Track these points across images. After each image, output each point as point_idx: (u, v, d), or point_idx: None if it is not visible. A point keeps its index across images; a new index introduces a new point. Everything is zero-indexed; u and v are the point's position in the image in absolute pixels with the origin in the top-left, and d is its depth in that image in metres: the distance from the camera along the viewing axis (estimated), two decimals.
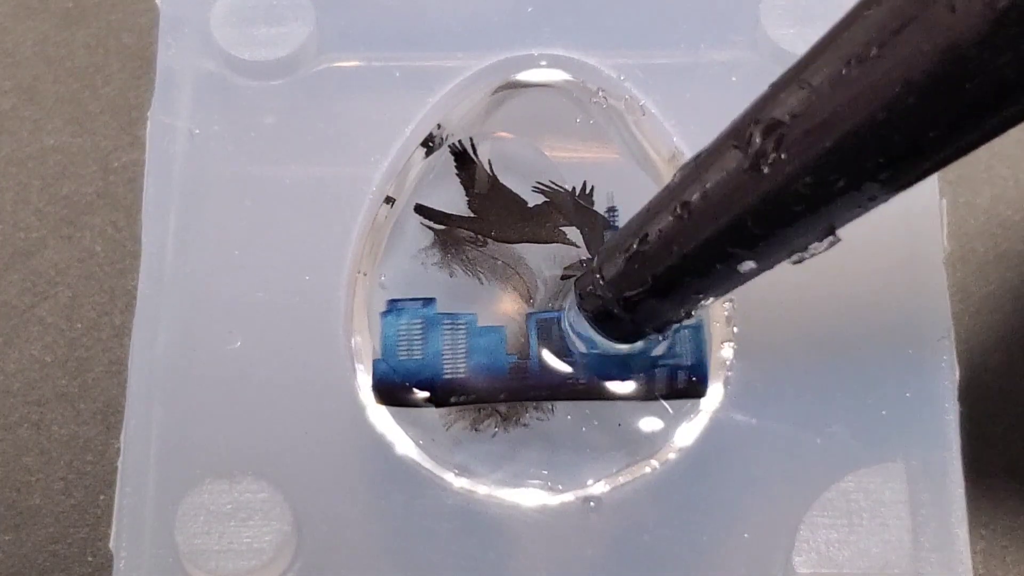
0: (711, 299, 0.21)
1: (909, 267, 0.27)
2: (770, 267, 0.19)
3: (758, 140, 0.17)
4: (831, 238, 0.18)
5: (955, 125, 0.16)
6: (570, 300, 0.25)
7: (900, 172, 0.17)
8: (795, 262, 0.19)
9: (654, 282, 0.21)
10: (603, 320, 0.23)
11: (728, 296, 0.27)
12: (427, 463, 0.26)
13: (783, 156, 0.17)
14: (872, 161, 0.16)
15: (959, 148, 0.16)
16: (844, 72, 0.16)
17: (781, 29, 0.29)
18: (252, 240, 0.28)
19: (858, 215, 0.18)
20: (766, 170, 0.17)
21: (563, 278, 0.27)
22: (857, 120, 0.16)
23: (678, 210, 0.19)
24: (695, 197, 0.19)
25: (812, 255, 0.19)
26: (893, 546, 0.26)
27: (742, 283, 0.20)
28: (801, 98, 0.17)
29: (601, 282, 0.22)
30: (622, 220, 0.27)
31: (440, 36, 0.30)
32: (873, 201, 0.18)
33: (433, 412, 0.26)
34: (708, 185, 0.19)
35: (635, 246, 0.21)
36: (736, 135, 0.18)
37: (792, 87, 0.17)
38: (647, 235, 0.20)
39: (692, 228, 0.19)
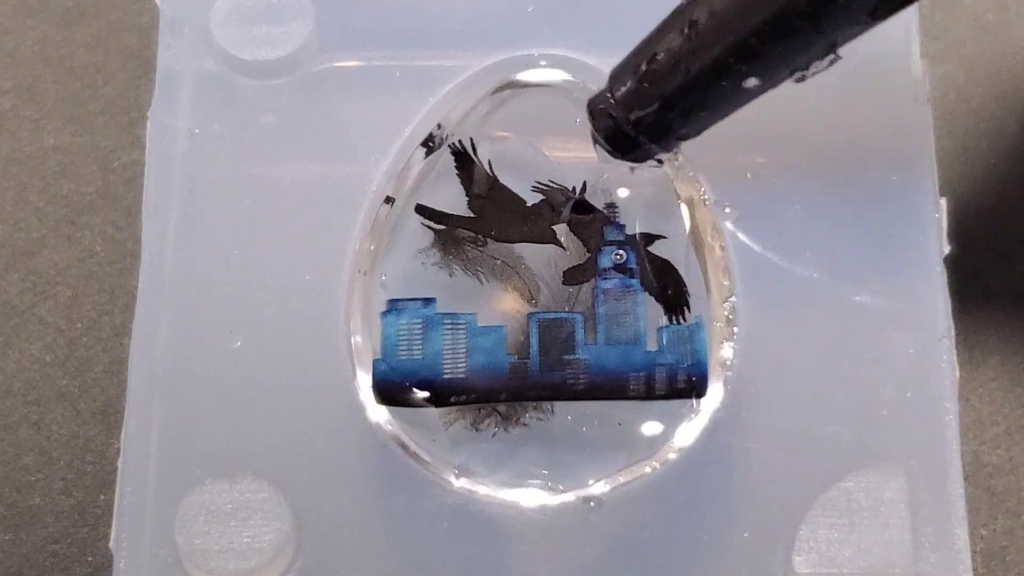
0: (716, 119, 0.22)
1: (909, 267, 0.27)
2: (774, 85, 0.20)
3: None
4: (832, 56, 0.19)
5: None
6: None
7: None
8: (797, 80, 0.20)
9: (663, 100, 0.22)
10: (614, 138, 0.24)
11: (728, 297, 0.27)
12: (427, 463, 0.26)
13: None
14: None
15: None
16: None
17: None
18: (252, 240, 0.28)
19: (859, 32, 0.19)
20: None
21: (566, 282, 0.27)
22: None
23: (685, 30, 0.20)
24: (702, 16, 0.20)
25: (814, 73, 0.20)
26: (894, 546, 0.26)
27: (747, 101, 0.21)
28: None
29: (612, 101, 0.23)
30: (622, 217, 0.27)
31: (440, 36, 0.30)
32: (873, 17, 0.18)
33: (433, 412, 0.26)
34: (715, 4, 0.20)
35: (644, 66, 0.22)
36: None
37: None
38: (656, 55, 0.21)
39: (699, 46, 0.20)
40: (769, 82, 0.20)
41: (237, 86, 0.29)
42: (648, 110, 0.22)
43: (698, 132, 0.23)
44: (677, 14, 0.21)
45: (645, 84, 0.22)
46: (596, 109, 0.24)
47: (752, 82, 0.20)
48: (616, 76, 0.23)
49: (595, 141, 0.25)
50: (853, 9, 0.18)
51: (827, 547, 0.26)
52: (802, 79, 0.20)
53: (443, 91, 0.29)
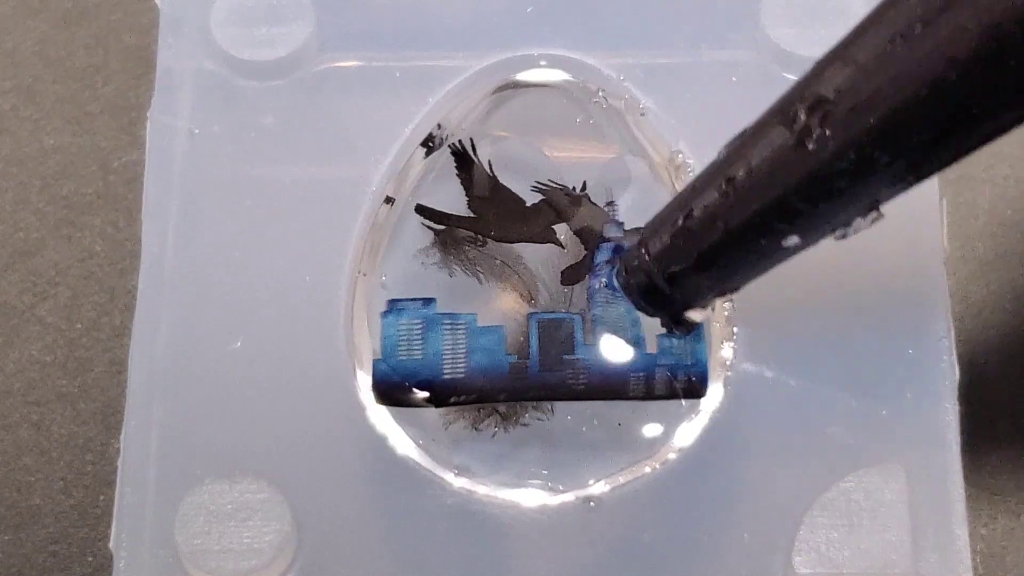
0: (754, 276, 0.21)
1: (909, 267, 0.27)
2: (814, 242, 0.20)
3: (803, 117, 0.18)
4: (874, 214, 0.19)
5: (999, 102, 0.16)
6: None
7: (944, 149, 0.17)
8: (838, 238, 0.19)
9: (699, 257, 0.21)
10: (648, 294, 0.23)
11: (728, 296, 0.27)
12: (427, 463, 0.26)
13: (828, 133, 0.17)
14: (916, 138, 0.17)
15: (1003, 124, 0.16)
16: (889, 49, 0.16)
17: (781, 29, 0.29)
18: (252, 240, 0.28)
19: (902, 191, 0.18)
20: (811, 147, 0.18)
21: (563, 282, 0.27)
22: (901, 97, 0.16)
23: (723, 186, 0.20)
24: (740, 173, 0.19)
25: (855, 231, 0.19)
26: (893, 546, 0.26)
27: (786, 259, 0.20)
28: (846, 75, 0.17)
29: (647, 257, 0.22)
30: (622, 214, 0.27)
31: (440, 36, 0.30)
32: (917, 178, 0.18)
33: (433, 412, 0.26)
34: (753, 162, 0.19)
35: (680, 222, 0.21)
36: (781, 112, 0.18)
37: (837, 64, 0.17)
38: (692, 211, 0.21)
39: (737, 204, 0.19)
40: (810, 240, 0.20)
41: (237, 86, 0.29)
42: (684, 267, 0.21)
43: (735, 289, 0.22)
44: (714, 170, 0.20)
45: (681, 240, 0.21)
46: (630, 265, 0.23)
47: (792, 240, 0.19)
48: (651, 231, 0.22)
49: (627, 295, 0.24)
50: (893, 167, 0.17)
51: (827, 547, 0.26)
52: (844, 237, 0.19)
53: (443, 91, 0.29)
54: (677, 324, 0.24)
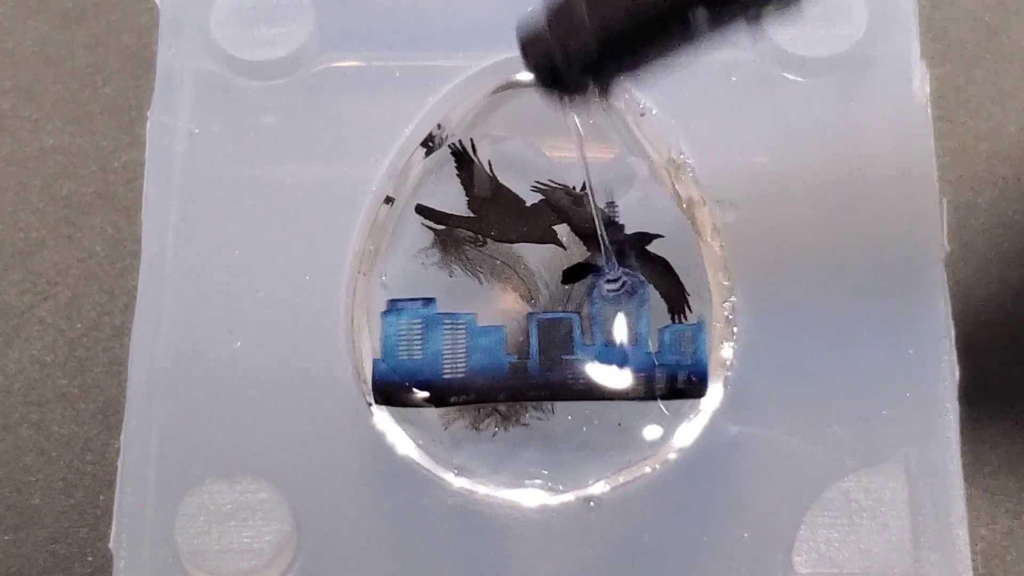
0: (660, 55, 0.20)
1: (909, 267, 0.27)
2: (725, 24, 0.19)
3: None
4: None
5: None
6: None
7: None
8: (752, 24, 0.19)
9: (603, 31, 0.20)
10: (547, 70, 0.22)
11: (728, 297, 0.27)
12: (427, 463, 0.26)
13: None
14: None
15: None
16: None
17: (781, 29, 0.29)
18: (252, 240, 0.28)
19: None
20: None
21: (564, 281, 0.27)
22: None
23: None
24: None
25: (768, 16, 0.19)
26: (893, 546, 0.26)
27: (695, 38, 0.19)
28: None
29: (549, 30, 0.21)
30: (623, 216, 0.27)
31: (440, 36, 0.30)
32: None
33: (433, 412, 0.26)
34: None
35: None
36: None
37: None
38: None
39: None
40: (720, 20, 0.19)
41: (237, 86, 0.29)
42: (586, 41, 0.20)
43: (636, 70, 0.21)
44: None
45: (584, 13, 0.20)
46: (529, 39, 0.22)
47: (702, 20, 0.19)
48: (556, 10, 0.21)
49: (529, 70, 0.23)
50: None
51: (827, 547, 0.26)
52: (757, 23, 0.19)
53: (443, 91, 0.29)
54: (572, 95, 0.23)
